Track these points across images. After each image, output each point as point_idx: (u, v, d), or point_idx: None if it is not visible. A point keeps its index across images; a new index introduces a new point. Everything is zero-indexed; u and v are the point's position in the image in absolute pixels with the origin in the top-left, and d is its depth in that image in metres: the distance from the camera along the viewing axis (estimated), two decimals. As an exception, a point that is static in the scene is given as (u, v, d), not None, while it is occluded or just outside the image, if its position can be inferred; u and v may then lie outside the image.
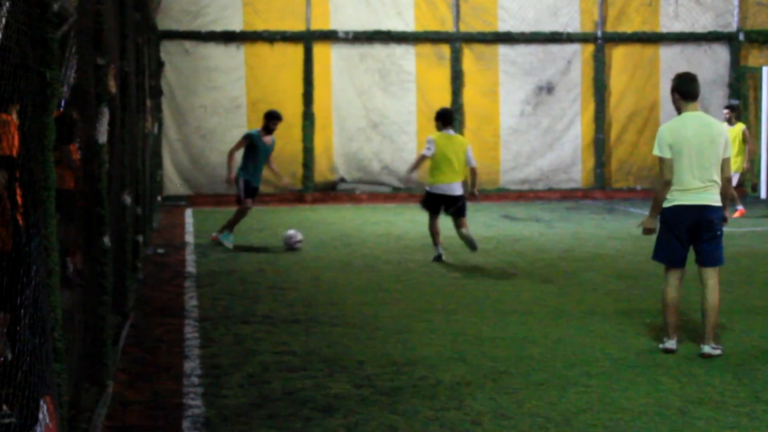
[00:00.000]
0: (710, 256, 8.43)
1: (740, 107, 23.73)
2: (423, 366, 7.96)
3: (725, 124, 15.86)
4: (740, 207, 19.13)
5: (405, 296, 11.19)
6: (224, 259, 14.07)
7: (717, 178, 8.37)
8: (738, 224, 17.60)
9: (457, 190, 13.59)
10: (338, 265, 13.56)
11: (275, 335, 9.13)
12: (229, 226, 15.37)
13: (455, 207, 13.62)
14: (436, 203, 13.71)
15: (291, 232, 15.20)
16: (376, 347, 8.63)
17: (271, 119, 15.36)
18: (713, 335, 8.37)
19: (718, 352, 8.28)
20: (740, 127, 19.13)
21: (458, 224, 13.74)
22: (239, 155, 15.39)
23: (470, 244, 13.70)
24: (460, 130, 23.36)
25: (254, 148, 15.27)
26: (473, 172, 13.98)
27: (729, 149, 8.46)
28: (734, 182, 19.17)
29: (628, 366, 8.00)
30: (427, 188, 13.87)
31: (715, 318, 8.39)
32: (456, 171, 13.56)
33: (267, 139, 15.36)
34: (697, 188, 8.33)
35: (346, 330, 9.35)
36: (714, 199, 8.37)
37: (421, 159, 13.94)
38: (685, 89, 8.53)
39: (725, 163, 8.42)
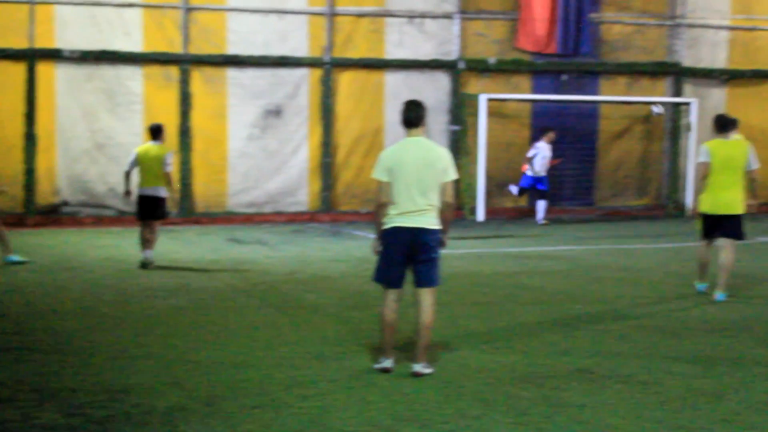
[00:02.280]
0: (425, 278, 8.70)
1: (459, 133, 24.69)
2: (138, 393, 7.87)
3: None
4: None
5: (124, 322, 11.03)
6: (-66, 286, 13.48)
7: (435, 201, 8.64)
8: (455, 246, 18.26)
9: (149, 192, 15.67)
10: (56, 290, 13.21)
11: (-16, 365, 8.83)
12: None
13: (157, 209, 15.65)
14: (140, 206, 15.71)
15: None
16: (91, 374, 8.47)
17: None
18: (425, 354, 8.66)
19: (429, 370, 8.57)
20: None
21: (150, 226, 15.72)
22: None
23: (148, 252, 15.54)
24: (187, 152, 23.25)
25: None
26: (166, 176, 15.65)
27: (452, 173, 8.69)
28: None
29: (342, 387, 8.16)
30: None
31: (428, 337, 8.68)
32: (151, 176, 15.65)
33: None
34: (413, 211, 8.57)
35: (60, 357, 9.13)
36: (430, 222, 8.61)
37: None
38: (404, 117, 8.77)
39: (446, 187, 8.68)
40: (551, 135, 23.52)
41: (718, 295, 12.63)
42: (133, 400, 7.66)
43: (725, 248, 12.76)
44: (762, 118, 27.20)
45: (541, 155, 23.22)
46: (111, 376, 8.45)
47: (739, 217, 12.75)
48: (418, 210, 8.58)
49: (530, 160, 23.29)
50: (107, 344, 9.77)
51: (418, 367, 8.56)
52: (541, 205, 23.51)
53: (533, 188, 23.55)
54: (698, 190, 13.07)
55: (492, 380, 8.36)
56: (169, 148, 16.22)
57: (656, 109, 23.93)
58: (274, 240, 19.57)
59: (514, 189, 23.93)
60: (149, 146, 15.91)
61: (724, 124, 12.86)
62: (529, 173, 23.36)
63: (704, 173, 12.75)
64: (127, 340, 9.95)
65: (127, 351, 9.45)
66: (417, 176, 8.59)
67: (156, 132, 16.02)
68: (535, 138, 24.79)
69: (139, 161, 15.80)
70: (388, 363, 8.68)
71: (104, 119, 23.13)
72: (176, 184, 16.12)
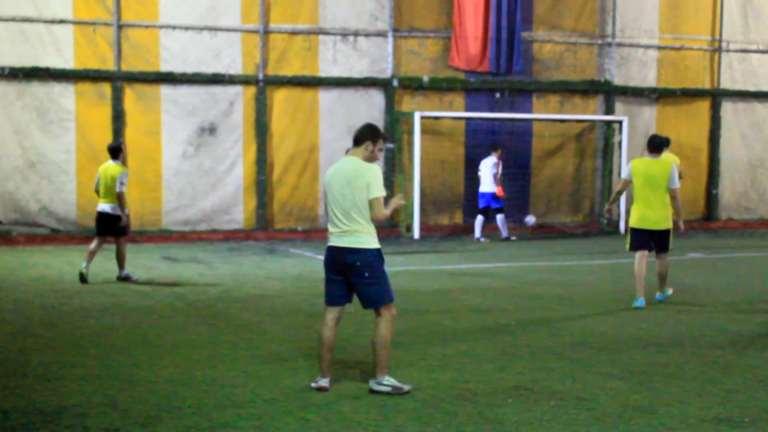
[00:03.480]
0: (365, 299, 8.68)
1: (394, 150, 24.76)
2: (72, 414, 7.79)
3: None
4: None
5: (58, 342, 10.89)
6: None
7: (361, 220, 8.57)
8: (391, 263, 18.29)
9: (106, 209, 16.05)
10: (-13, 311, 13.04)
11: None
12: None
13: (113, 226, 15.97)
14: (96, 222, 16.18)
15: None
16: (24, 396, 8.36)
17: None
18: (380, 371, 8.62)
19: (384, 388, 8.52)
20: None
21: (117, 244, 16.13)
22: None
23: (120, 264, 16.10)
24: (121, 170, 23.00)
25: None
26: (118, 195, 15.97)
27: (374, 190, 8.52)
28: None
29: (280, 406, 8.14)
30: None
31: (380, 355, 8.61)
32: (107, 194, 16.03)
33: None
34: (339, 231, 8.60)
35: (-8, 379, 9.02)
36: (356, 242, 8.55)
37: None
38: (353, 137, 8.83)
39: (371, 204, 8.53)
40: (501, 151, 23.78)
41: (658, 295, 13.84)
42: (67, 422, 7.57)
43: (658, 258, 13.75)
44: (691, 136, 27.68)
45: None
46: (44, 397, 8.35)
47: (666, 231, 13.57)
48: (341, 231, 8.61)
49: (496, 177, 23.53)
50: (40, 365, 9.65)
51: (372, 384, 8.58)
52: (481, 222, 23.69)
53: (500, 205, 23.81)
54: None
55: (429, 398, 8.39)
56: (124, 168, 16.28)
57: (530, 221, 24.49)
58: (210, 258, 19.46)
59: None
60: (108, 165, 16.25)
61: (655, 145, 13.70)
62: (496, 191, 23.49)
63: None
64: (60, 361, 9.84)
65: (60, 371, 9.34)
66: (339, 196, 8.62)
67: (113, 151, 16.40)
68: (472, 156, 25.07)
69: (100, 178, 16.21)
70: (323, 382, 8.67)
71: (36, 137, 22.85)
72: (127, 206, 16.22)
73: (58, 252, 20.40)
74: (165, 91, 23.75)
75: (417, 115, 24.10)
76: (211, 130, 24.03)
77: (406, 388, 8.59)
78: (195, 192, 23.90)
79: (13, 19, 22.66)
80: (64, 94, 23.07)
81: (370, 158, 8.75)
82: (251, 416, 7.80)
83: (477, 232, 23.66)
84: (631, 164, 13.67)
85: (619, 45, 27.17)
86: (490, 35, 25.75)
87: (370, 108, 25.04)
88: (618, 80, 27.13)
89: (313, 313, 12.79)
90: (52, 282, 15.78)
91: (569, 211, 27.16)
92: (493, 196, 23.37)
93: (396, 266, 17.93)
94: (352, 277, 8.62)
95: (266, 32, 24.36)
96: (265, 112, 24.33)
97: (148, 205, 23.49)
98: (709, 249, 21.81)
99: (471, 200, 24.86)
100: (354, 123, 24.32)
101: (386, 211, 8.64)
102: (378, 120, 24.95)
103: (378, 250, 8.67)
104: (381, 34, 25.22)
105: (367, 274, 8.60)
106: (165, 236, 23.36)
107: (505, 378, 9.16)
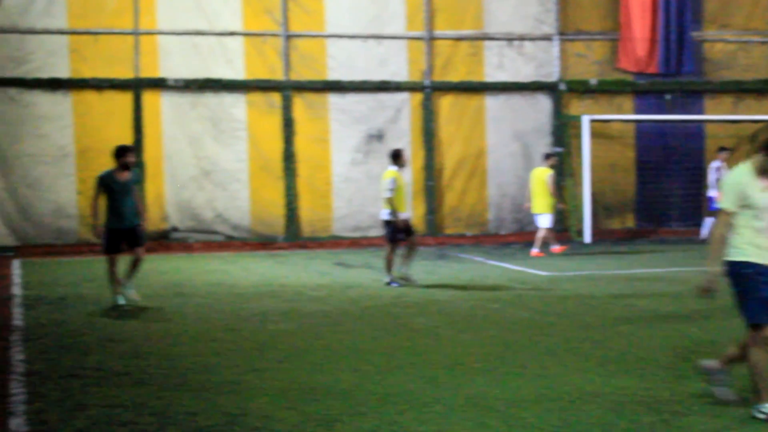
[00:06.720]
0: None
1: (563, 154, 24.49)
2: (256, 416, 7.92)
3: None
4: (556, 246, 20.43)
5: (237, 346, 11.12)
6: (53, 311, 13.73)
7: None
8: (563, 268, 18.14)
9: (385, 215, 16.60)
10: (170, 315, 13.39)
11: (105, 389, 8.94)
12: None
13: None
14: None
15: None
16: (209, 398, 8.55)
17: (120, 154, 14.14)
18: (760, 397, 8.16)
19: (761, 415, 7.79)
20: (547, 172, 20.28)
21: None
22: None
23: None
24: (293, 178, 23.47)
25: (110, 190, 14.09)
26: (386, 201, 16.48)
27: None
28: (547, 224, 20.03)
29: (458, 411, 8.10)
30: None
31: (754, 378, 8.01)
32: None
33: (123, 175, 14.14)
34: None
35: (178, 381, 9.23)
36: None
37: None
38: None
39: None
40: (727, 153, 23.19)
41: None
42: (252, 423, 7.71)
43: None
44: None
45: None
46: (228, 399, 8.52)
47: None
48: None
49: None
50: (222, 368, 9.87)
51: (753, 411, 7.90)
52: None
53: None
54: None
55: (611, 404, 8.22)
56: (391, 174, 16.42)
57: None
58: (381, 264, 19.56)
59: None
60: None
61: None
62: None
63: None
64: (241, 365, 10.03)
65: (242, 375, 9.52)
66: None
67: (391, 158, 16.76)
68: (643, 159, 24.82)
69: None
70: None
71: (209, 146, 23.48)
72: (397, 208, 16.55)
73: (233, 258, 20.86)
74: (333, 99, 24.10)
75: (585, 119, 23.81)
76: (379, 137, 24.23)
77: None
78: (364, 198, 24.10)
79: (186, 33, 23.33)
80: (236, 104, 23.64)
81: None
82: (431, 421, 7.78)
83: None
84: None
85: (795, 42, 26.32)
86: (658, 36, 25.28)
87: (537, 113, 24.87)
88: (795, 78, 26.28)
89: (485, 318, 12.75)
90: (230, 287, 16.13)
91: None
92: (714, 200, 23.09)
93: (569, 270, 17.77)
94: None
95: (431, 39, 24.47)
96: (432, 118, 24.43)
97: (318, 212, 23.84)
98: None
99: (643, 204, 24.49)
100: (521, 128, 24.29)
101: (717, 225, 7.97)
102: (545, 124, 24.78)
103: (731, 262, 8.00)
104: (546, 37, 25.03)
105: (731, 290, 8.18)
106: (336, 242, 23.64)
107: (686, 385, 8.92)
